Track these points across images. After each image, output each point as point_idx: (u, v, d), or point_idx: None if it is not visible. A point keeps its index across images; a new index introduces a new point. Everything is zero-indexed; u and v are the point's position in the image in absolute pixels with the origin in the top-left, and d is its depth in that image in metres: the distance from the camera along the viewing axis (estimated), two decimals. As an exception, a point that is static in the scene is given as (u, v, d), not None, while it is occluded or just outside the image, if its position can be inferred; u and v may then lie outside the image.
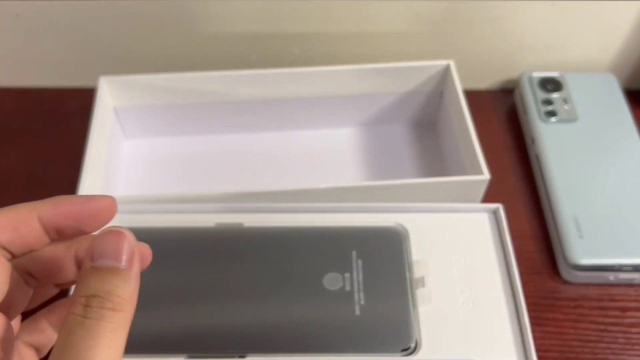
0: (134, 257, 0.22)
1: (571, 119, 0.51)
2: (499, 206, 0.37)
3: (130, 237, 0.22)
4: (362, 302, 0.33)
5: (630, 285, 0.44)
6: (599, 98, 0.53)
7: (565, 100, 0.52)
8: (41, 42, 0.53)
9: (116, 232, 0.22)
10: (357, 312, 0.32)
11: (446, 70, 0.49)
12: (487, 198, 0.44)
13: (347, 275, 0.34)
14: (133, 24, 0.52)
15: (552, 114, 0.52)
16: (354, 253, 0.34)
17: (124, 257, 0.21)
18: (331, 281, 0.33)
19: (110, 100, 0.48)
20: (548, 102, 0.52)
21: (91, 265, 0.21)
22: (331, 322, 0.32)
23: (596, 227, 0.45)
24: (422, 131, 0.53)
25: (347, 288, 0.33)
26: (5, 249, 0.22)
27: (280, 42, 0.54)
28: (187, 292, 0.33)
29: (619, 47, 0.55)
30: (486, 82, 0.58)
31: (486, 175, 0.42)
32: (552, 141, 0.50)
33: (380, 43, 0.54)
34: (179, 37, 0.53)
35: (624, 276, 0.43)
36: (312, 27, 0.52)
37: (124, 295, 0.21)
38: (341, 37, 0.53)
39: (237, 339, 0.31)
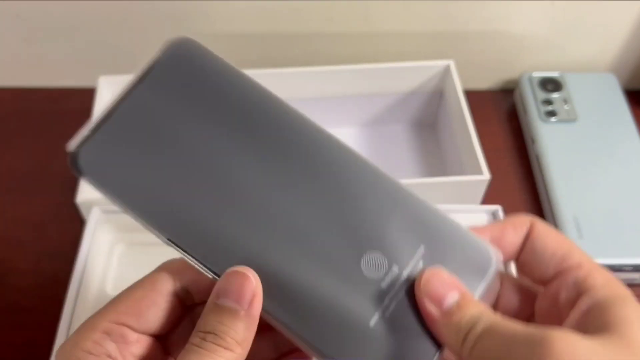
0: (254, 302, 0.22)
1: (571, 119, 0.51)
2: (498, 208, 0.37)
3: (254, 281, 0.23)
4: (388, 312, 0.24)
5: (630, 285, 0.44)
6: (599, 98, 0.53)
7: (565, 100, 0.52)
8: (41, 42, 0.53)
9: (241, 274, 0.23)
10: (372, 324, 0.24)
11: (446, 70, 0.49)
12: (487, 198, 0.44)
13: (395, 268, 0.25)
14: (133, 24, 0.52)
15: (552, 114, 0.52)
16: (422, 247, 0.25)
17: (245, 301, 0.22)
18: (371, 265, 0.25)
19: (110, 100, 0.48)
20: (548, 102, 0.52)
21: (214, 302, 0.22)
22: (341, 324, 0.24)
23: (596, 227, 0.45)
24: (422, 131, 0.53)
25: (384, 285, 0.24)
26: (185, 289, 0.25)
27: (280, 42, 0.54)
28: (205, 163, 0.25)
29: (619, 47, 0.55)
30: (486, 82, 0.58)
31: (486, 175, 0.42)
32: (552, 141, 0.50)
33: (380, 43, 0.54)
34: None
35: (624, 276, 0.43)
36: (312, 27, 0.52)
37: (237, 337, 0.22)
38: (341, 37, 0.53)
39: (227, 254, 0.24)
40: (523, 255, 0.26)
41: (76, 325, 0.36)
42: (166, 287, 0.24)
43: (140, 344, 0.24)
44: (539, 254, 0.25)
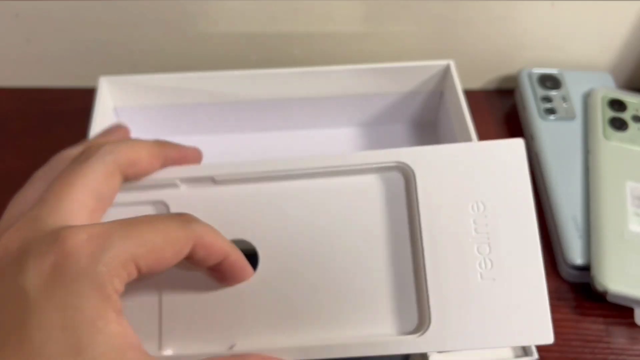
0: None
1: (570, 117, 0.51)
2: (521, 140, 0.30)
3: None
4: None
5: (630, 284, 0.44)
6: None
7: (564, 98, 0.53)
8: (41, 42, 0.53)
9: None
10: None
11: (446, 70, 0.49)
12: (487, 198, 0.44)
13: None
14: (133, 24, 0.52)
15: (551, 111, 0.52)
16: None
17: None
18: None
19: (110, 100, 0.48)
20: (547, 99, 0.52)
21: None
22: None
23: (596, 226, 0.45)
24: (422, 131, 0.53)
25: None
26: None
27: (280, 42, 0.54)
28: None
29: (618, 47, 0.55)
30: (486, 82, 0.58)
31: (486, 175, 0.42)
32: (551, 138, 0.50)
33: (380, 43, 0.54)
34: (178, 37, 0.53)
35: (623, 276, 0.43)
36: (312, 27, 0.52)
37: None
38: (341, 37, 0.53)
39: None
40: None
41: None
42: None
43: None
44: None
